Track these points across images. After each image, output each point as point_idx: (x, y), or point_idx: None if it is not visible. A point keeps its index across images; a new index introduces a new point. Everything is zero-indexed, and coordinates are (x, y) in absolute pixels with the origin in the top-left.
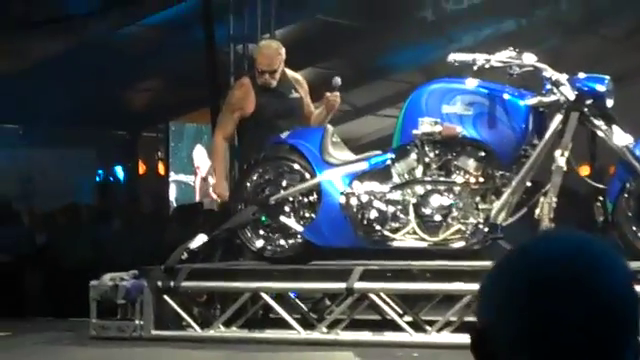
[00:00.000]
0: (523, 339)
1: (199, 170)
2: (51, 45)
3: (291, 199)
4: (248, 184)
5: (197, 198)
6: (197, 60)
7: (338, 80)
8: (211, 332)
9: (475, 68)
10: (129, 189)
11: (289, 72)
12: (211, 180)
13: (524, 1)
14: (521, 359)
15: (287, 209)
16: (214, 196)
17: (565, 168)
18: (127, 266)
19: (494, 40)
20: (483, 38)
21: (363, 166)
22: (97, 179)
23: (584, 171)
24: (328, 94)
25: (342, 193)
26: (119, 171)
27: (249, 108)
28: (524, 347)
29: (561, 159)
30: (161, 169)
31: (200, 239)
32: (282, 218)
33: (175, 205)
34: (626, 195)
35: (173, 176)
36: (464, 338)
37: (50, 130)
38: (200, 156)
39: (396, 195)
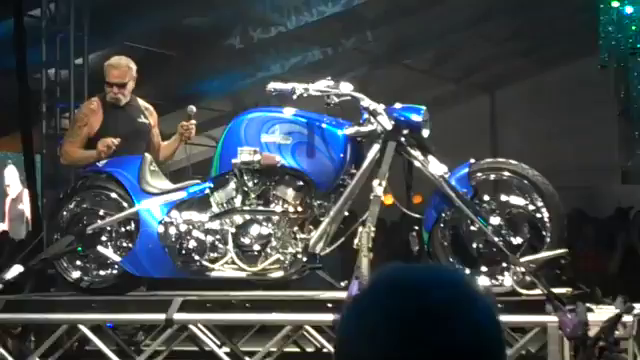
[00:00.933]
0: None
1: (9, 189)
2: None
3: (109, 228)
4: (65, 213)
5: (6, 220)
6: (5, 85)
7: (193, 108)
8: None
9: (294, 97)
10: None
11: (140, 101)
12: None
13: (330, 31)
14: None
15: (104, 239)
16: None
17: (382, 197)
18: None
19: (301, 69)
20: (290, 67)
21: (181, 195)
22: None
23: (388, 200)
24: (183, 123)
25: (160, 222)
26: None
27: (95, 125)
28: None
29: (379, 188)
30: None
31: (16, 269)
32: (99, 248)
33: None
34: (442, 225)
35: None
36: None
37: None
38: (11, 175)
39: (215, 224)
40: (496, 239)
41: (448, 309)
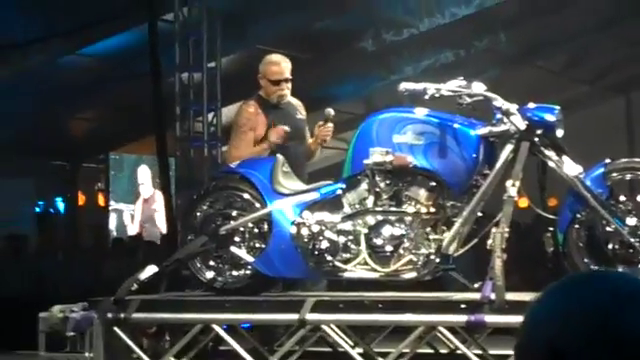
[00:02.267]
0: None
1: (142, 188)
2: None
3: (241, 229)
4: (198, 213)
5: (137, 222)
6: (139, 90)
7: (331, 111)
8: None
9: (426, 97)
10: (69, 220)
11: (292, 98)
12: (154, 204)
13: (463, 33)
14: None
15: (237, 239)
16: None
17: (516, 198)
18: (68, 298)
19: (433, 71)
20: (422, 69)
21: (314, 196)
22: (37, 210)
23: (522, 203)
24: (320, 124)
25: (293, 223)
26: (59, 202)
27: (261, 128)
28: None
29: (512, 189)
30: (101, 200)
31: (150, 270)
32: (232, 249)
33: (115, 235)
34: (577, 226)
35: (114, 205)
36: None
37: None
38: (144, 175)
39: (347, 225)
40: (633, 240)
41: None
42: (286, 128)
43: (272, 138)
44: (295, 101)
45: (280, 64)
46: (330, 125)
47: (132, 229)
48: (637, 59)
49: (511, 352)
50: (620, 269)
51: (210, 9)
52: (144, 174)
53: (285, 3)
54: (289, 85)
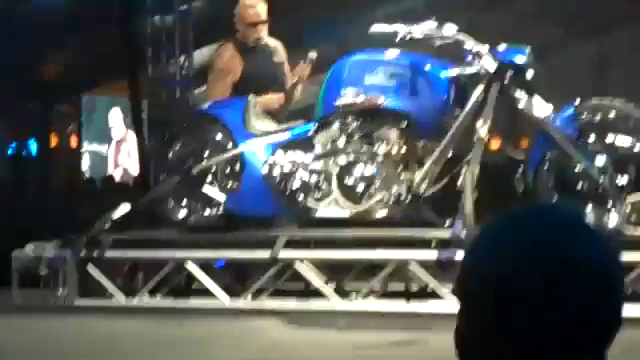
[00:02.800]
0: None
1: (113, 131)
2: None
3: (213, 169)
4: (170, 154)
5: (110, 164)
6: (111, 32)
7: (314, 55)
8: (135, 301)
9: (397, 40)
10: (42, 161)
11: (269, 39)
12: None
13: None
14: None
15: (209, 179)
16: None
17: (486, 139)
18: (41, 238)
19: (406, 13)
20: (397, 11)
21: (286, 136)
22: (9, 152)
23: (494, 144)
24: (301, 64)
25: (265, 163)
26: (31, 144)
27: (237, 71)
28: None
29: (483, 130)
30: (73, 142)
31: (123, 208)
32: (205, 188)
33: (88, 176)
34: (546, 166)
35: (87, 146)
36: (388, 305)
37: None
38: (115, 117)
39: (319, 165)
40: (601, 179)
41: (576, 225)
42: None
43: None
44: (273, 42)
45: (256, 6)
46: (307, 66)
47: (109, 169)
48: (609, 3)
49: None
50: (589, 208)
51: None
52: (115, 116)
53: None
54: (266, 27)
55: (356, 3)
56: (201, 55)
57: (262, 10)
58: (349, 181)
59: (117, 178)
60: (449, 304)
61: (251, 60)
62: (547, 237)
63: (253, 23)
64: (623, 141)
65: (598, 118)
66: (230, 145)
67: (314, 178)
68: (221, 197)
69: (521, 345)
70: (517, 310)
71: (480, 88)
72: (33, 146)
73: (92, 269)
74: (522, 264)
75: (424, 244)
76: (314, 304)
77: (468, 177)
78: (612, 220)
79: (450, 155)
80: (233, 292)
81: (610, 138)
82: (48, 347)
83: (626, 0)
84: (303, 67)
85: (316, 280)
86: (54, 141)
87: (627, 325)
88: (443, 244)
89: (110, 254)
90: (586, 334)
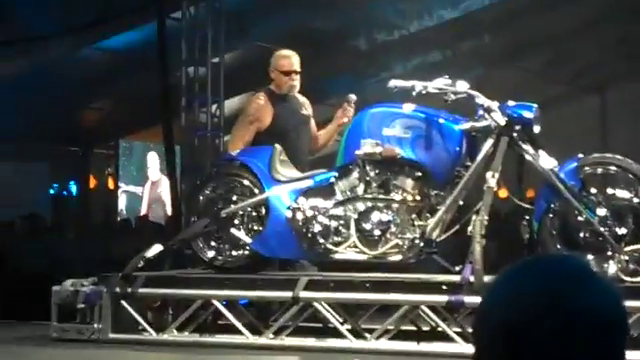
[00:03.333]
0: (549, 335)
1: (150, 172)
2: (8, 66)
3: (241, 213)
4: (201, 198)
5: (145, 204)
6: (148, 82)
7: (353, 96)
8: (165, 336)
9: (414, 94)
10: (81, 201)
11: (297, 94)
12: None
13: (449, 34)
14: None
15: (237, 222)
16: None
17: (496, 188)
18: (79, 274)
19: (421, 70)
20: (412, 67)
21: (308, 183)
22: (51, 192)
23: (502, 193)
24: (344, 107)
25: (288, 208)
26: (72, 185)
27: (266, 120)
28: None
29: (492, 180)
30: (110, 183)
31: (156, 248)
32: (232, 230)
33: (124, 215)
34: (551, 215)
35: (123, 187)
36: (401, 345)
37: (6, 146)
38: (153, 160)
39: (339, 211)
40: (602, 229)
41: (589, 275)
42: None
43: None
44: (302, 98)
45: (291, 57)
46: (350, 108)
47: (142, 209)
48: (611, 61)
49: None
50: (590, 256)
51: (214, 8)
52: (153, 159)
53: (283, 3)
54: (298, 77)
55: (375, 59)
56: (232, 104)
57: (296, 62)
58: (366, 226)
59: (151, 217)
60: (457, 346)
61: (281, 109)
62: (563, 287)
63: (288, 72)
64: (622, 194)
65: (599, 171)
66: (257, 190)
67: (334, 223)
68: (247, 239)
69: None
70: (532, 357)
71: (490, 141)
72: (73, 187)
73: (125, 305)
74: (539, 313)
75: (435, 287)
76: (331, 342)
77: (477, 224)
78: (611, 268)
79: (461, 203)
80: (256, 329)
81: (610, 190)
82: None
83: (623, 58)
84: (348, 109)
85: (333, 320)
86: (93, 182)
87: None
88: (453, 288)
89: (142, 291)
90: None
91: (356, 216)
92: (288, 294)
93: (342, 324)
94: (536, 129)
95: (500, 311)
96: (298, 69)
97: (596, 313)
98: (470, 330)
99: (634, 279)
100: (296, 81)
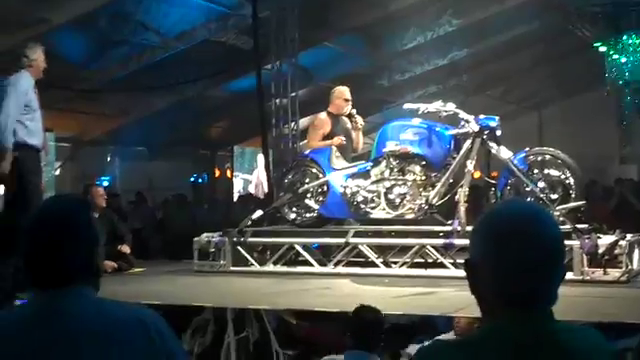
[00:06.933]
0: (493, 268)
1: (257, 169)
2: (162, 101)
3: (311, 190)
4: (286, 181)
5: (252, 186)
6: (251, 109)
7: (361, 120)
8: (265, 268)
9: (420, 113)
10: (210, 186)
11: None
12: (262, 179)
13: (441, 75)
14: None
15: (309, 195)
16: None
17: (472, 171)
18: (211, 230)
19: (424, 97)
20: (417, 96)
21: (354, 170)
22: (191, 180)
23: (477, 174)
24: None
25: (341, 186)
26: (204, 175)
27: (328, 129)
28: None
29: (470, 166)
30: (229, 173)
31: (258, 213)
32: (306, 201)
33: (239, 194)
34: (508, 187)
35: (240, 175)
36: (415, 272)
37: (163, 151)
38: (259, 158)
39: (373, 187)
40: (542, 195)
41: (540, 211)
42: (342, 139)
43: (335, 140)
44: (351, 113)
45: (348, 90)
46: (358, 123)
47: (250, 189)
48: (545, 89)
49: None
50: None
51: (292, 62)
52: (259, 158)
53: (336, 59)
54: (350, 103)
55: (394, 91)
56: (302, 122)
57: (349, 93)
58: (391, 197)
59: (255, 194)
60: (451, 271)
61: (336, 123)
62: (501, 233)
63: (346, 100)
64: (555, 172)
65: (539, 159)
66: (321, 175)
67: (370, 195)
68: (315, 206)
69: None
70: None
71: (469, 141)
72: (205, 176)
73: (240, 249)
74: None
75: (436, 234)
76: (370, 270)
77: (461, 194)
78: None
79: (451, 181)
80: (322, 263)
81: (546, 171)
82: (214, 291)
83: (558, 83)
84: (359, 128)
85: (371, 256)
86: (217, 173)
87: None
88: (447, 235)
89: (250, 240)
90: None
91: (384, 190)
92: (342, 240)
93: (377, 259)
94: (498, 133)
95: (470, 248)
96: (350, 98)
97: (552, 239)
98: (460, 261)
99: (562, 227)
100: (349, 105)
